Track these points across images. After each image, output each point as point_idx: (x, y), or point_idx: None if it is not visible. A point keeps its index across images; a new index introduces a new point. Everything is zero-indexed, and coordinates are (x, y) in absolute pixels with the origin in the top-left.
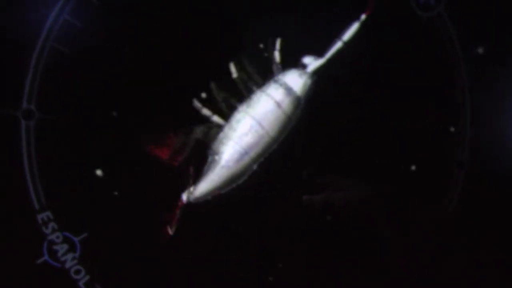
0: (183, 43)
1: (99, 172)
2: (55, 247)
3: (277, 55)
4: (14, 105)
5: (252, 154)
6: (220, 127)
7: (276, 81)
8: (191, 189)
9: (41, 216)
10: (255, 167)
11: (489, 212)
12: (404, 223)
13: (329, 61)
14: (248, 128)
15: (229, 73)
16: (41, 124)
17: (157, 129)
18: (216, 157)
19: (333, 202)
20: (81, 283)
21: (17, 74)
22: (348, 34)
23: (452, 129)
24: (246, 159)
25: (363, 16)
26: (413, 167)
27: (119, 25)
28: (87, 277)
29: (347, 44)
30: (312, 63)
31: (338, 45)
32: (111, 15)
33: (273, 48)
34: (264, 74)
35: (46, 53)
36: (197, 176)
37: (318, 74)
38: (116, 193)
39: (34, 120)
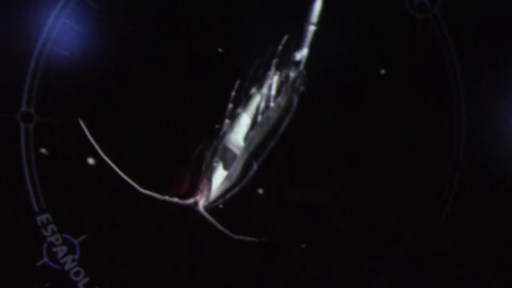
0: (183, 45)
1: (98, 174)
2: (55, 249)
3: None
4: (13, 108)
5: (252, 154)
6: (220, 134)
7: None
8: (198, 198)
9: (41, 219)
10: (255, 167)
11: (485, 213)
12: (394, 226)
13: (312, 48)
14: (246, 129)
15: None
16: (40, 127)
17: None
18: (218, 163)
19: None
20: (80, 285)
21: (16, 77)
22: (315, 15)
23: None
24: (247, 161)
25: None
26: (408, 168)
27: (118, 28)
28: (87, 279)
29: (318, 25)
30: (300, 57)
31: (311, 29)
32: (109, 18)
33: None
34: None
35: (45, 56)
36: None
37: (309, 67)
38: (115, 195)
39: (33, 123)
